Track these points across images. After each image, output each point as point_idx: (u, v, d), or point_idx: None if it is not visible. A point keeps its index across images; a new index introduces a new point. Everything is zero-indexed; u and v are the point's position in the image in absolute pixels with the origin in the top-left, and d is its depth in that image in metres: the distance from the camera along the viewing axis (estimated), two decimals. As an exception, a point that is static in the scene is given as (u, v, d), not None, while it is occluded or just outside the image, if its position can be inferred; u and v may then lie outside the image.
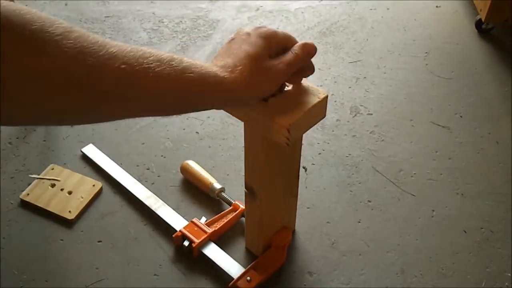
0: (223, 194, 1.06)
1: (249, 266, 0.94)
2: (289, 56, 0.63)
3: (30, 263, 0.98)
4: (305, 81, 0.74)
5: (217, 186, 1.06)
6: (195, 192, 1.10)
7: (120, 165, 1.15)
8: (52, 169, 1.13)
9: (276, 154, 0.80)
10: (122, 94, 0.49)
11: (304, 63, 0.66)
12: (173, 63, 0.52)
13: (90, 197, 1.07)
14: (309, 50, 0.65)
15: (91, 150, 1.17)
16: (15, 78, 0.42)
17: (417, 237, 1.03)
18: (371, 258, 0.99)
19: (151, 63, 0.50)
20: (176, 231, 0.99)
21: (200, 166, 1.10)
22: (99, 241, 1.01)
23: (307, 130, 0.73)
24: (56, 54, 0.44)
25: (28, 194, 1.08)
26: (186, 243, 0.97)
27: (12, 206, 1.07)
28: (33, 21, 0.43)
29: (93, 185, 1.10)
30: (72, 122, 0.51)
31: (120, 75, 0.48)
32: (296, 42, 0.66)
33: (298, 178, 0.91)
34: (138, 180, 1.11)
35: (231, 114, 0.75)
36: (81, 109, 0.49)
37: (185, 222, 1.01)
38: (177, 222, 1.01)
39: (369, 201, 1.09)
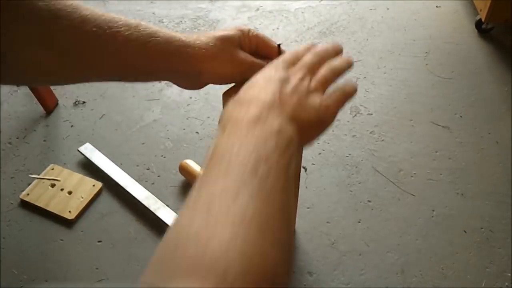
0: None
1: None
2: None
3: (30, 263, 0.98)
4: None
5: None
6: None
7: (120, 165, 1.15)
8: (52, 169, 1.13)
9: None
10: (93, 55, 0.52)
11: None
12: (141, 28, 0.54)
13: (90, 197, 1.07)
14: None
15: (88, 149, 1.17)
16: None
17: (417, 237, 1.03)
18: (371, 258, 0.99)
19: (121, 27, 0.53)
20: None
21: (199, 165, 1.10)
22: (99, 241, 1.01)
23: None
24: (30, 18, 0.47)
25: (28, 194, 1.08)
26: None
27: (12, 206, 1.07)
28: None
29: (93, 185, 1.10)
30: (47, 82, 0.55)
31: (92, 37, 0.50)
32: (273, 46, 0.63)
33: (299, 179, 0.91)
34: (138, 180, 1.11)
35: None
36: (56, 69, 0.51)
37: None
38: None
39: (369, 201, 1.09)
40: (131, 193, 1.07)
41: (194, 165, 1.11)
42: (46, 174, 1.12)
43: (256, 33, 0.63)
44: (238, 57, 0.60)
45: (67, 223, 1.04)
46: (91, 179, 1.11)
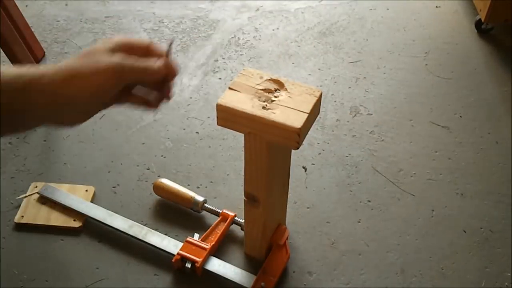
0: (207, 205, 1.02)
1: (259, 272, 0.92)
2: (134, 58, 0.55)
3: (30, 263, 0.98)
4: (296, 81, 0.73)
5: (200, 198, 1.02)
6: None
7: (120, 165, 1.15)
8: (36, 187, 1.08)
9: (276, 158, 0.80)
10: None
11: (153, 75, 0.58)
12: None
13: (88, 202, 1.06)
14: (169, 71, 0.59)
15: (49, 190, 1.07)
16: None
17: (417, 237, 1.03)
18: (371, 258, 0.99)
19: None
20: (172, 254, 0.95)
21: (200, 166, 1.10)
22: (99, 241, 1.01)
23: (310, 129, 0.74)
24: None
25: (22, 216, 1.03)
26: (188, 265, 0.93)
27: (12, 206, 1.07)
28: None
29: (86, 190, 1.08)
30: None
31: None
32: (156, 49, 0.59)
33: (289, 175, 0.91)
34: (138, 180, 1.12)
35: (231, 128, 0.74)
36: None
37: (178, 243, 0.96)
38: (170, 245, 0.96)
39: (369, 201, 1.09)
40: (114, 227, 1.01)
41: (170, 183, 1.06)
42: (31, 192, 1.07)
43: (123, 39, 0.57)
44: (103, 60, 0.53)
45: (75, 232, 1.02)
46: (81, 185, 1.09)
